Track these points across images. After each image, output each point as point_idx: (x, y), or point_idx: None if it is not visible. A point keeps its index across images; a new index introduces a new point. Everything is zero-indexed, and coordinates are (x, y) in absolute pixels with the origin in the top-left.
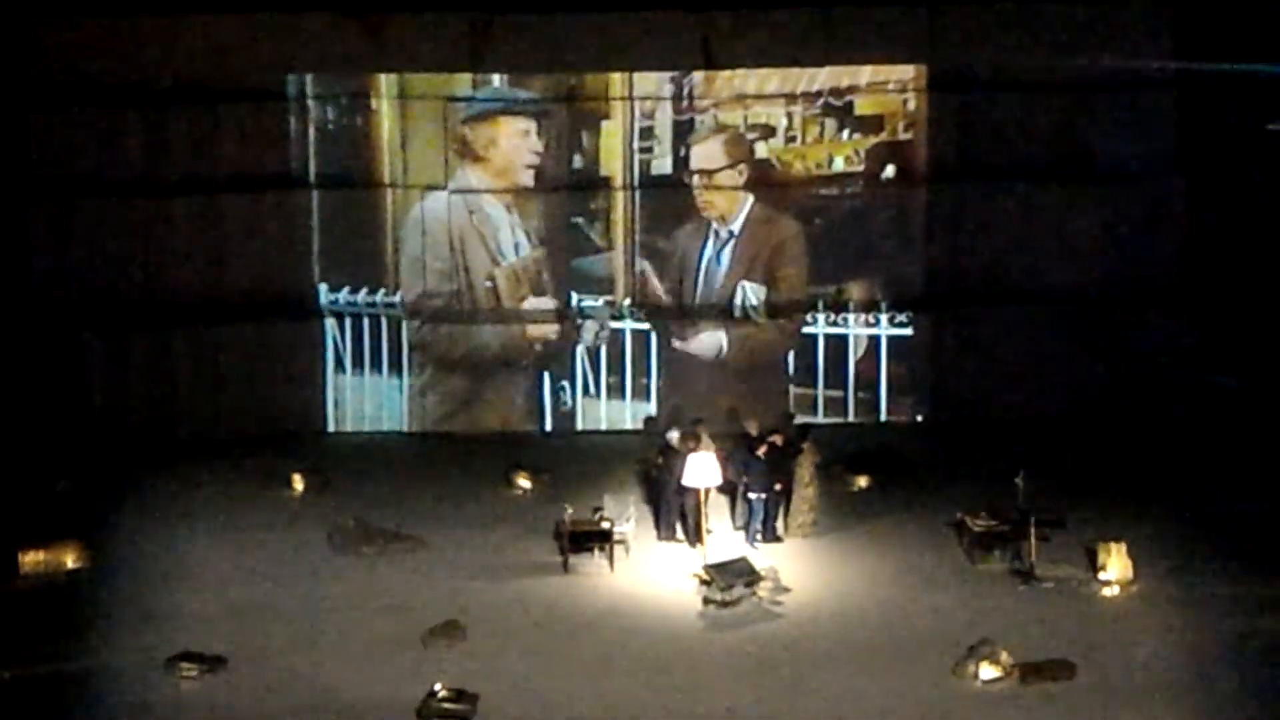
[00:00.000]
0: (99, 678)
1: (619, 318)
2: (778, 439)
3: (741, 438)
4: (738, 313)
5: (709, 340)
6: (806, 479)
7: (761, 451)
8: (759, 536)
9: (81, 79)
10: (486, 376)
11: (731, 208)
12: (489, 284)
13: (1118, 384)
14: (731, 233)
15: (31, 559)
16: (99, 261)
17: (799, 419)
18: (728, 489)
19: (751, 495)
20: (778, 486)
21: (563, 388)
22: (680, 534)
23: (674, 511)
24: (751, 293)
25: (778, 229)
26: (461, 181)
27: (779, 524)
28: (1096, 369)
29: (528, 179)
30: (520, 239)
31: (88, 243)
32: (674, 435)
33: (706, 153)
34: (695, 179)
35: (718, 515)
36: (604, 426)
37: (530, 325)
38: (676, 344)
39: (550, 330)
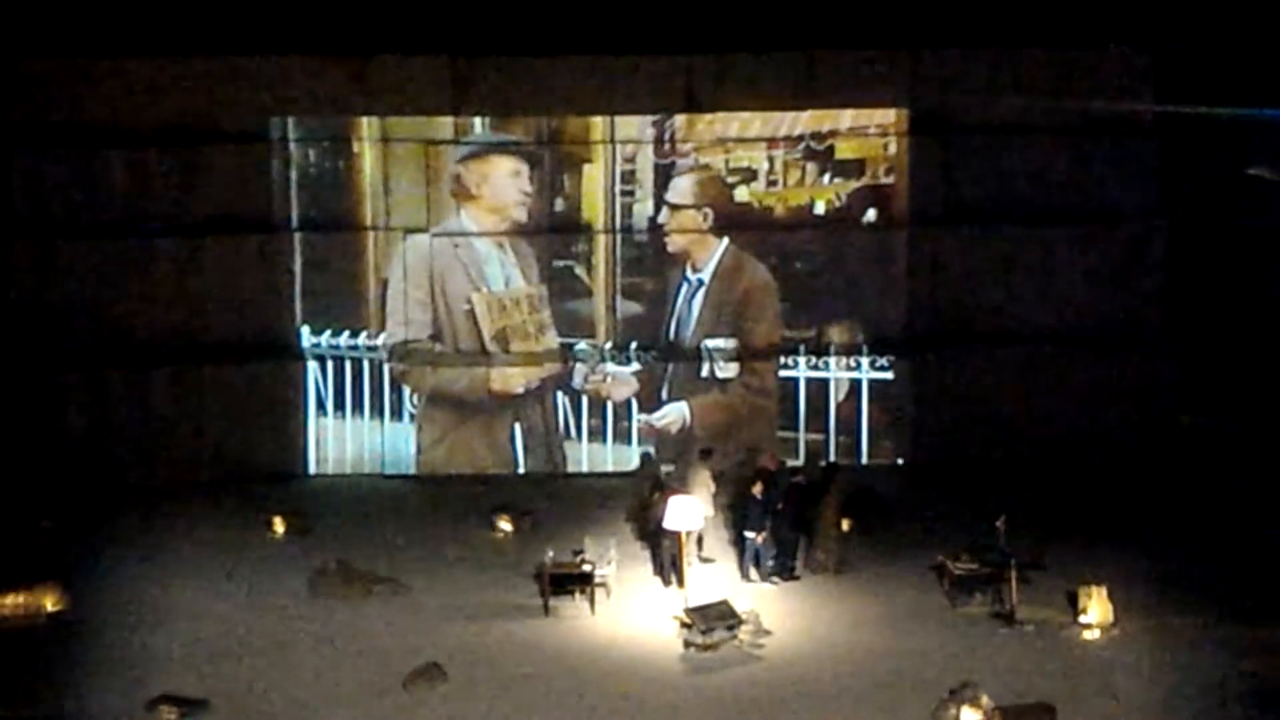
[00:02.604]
0: None
1: (603, 360)
2: (802, 479)
3: (756, 474)
4: (704, 373)
5: (673, 413)
6: (831, 519)
7: (758, 490)
8: (757, 574)
9: (64, 119)
10: (469, 416)
11: (702, 252)
12: (466, 307)
13: (1099, 426)
14: (701, 280)
15: (11, 601)
16: (79, 301)
17: (825, 460)
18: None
19: (747, 534)
20: (761, 537)
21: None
22: (671, 574)
23: (661, 551)
24: (718, 354)
25: (746, 278)
26: (452, 222)
27: (797, 562)
28: (1078, 412)
29: (521, 217)
30: (512, 274)
31: (69, 283)
32: (665, 474)
33: (678, 188)
34: (664, 212)
35: (726, 554)
36: (585, 469)
37: (496, 379)
38: (641, 419)
39: (516, 382)
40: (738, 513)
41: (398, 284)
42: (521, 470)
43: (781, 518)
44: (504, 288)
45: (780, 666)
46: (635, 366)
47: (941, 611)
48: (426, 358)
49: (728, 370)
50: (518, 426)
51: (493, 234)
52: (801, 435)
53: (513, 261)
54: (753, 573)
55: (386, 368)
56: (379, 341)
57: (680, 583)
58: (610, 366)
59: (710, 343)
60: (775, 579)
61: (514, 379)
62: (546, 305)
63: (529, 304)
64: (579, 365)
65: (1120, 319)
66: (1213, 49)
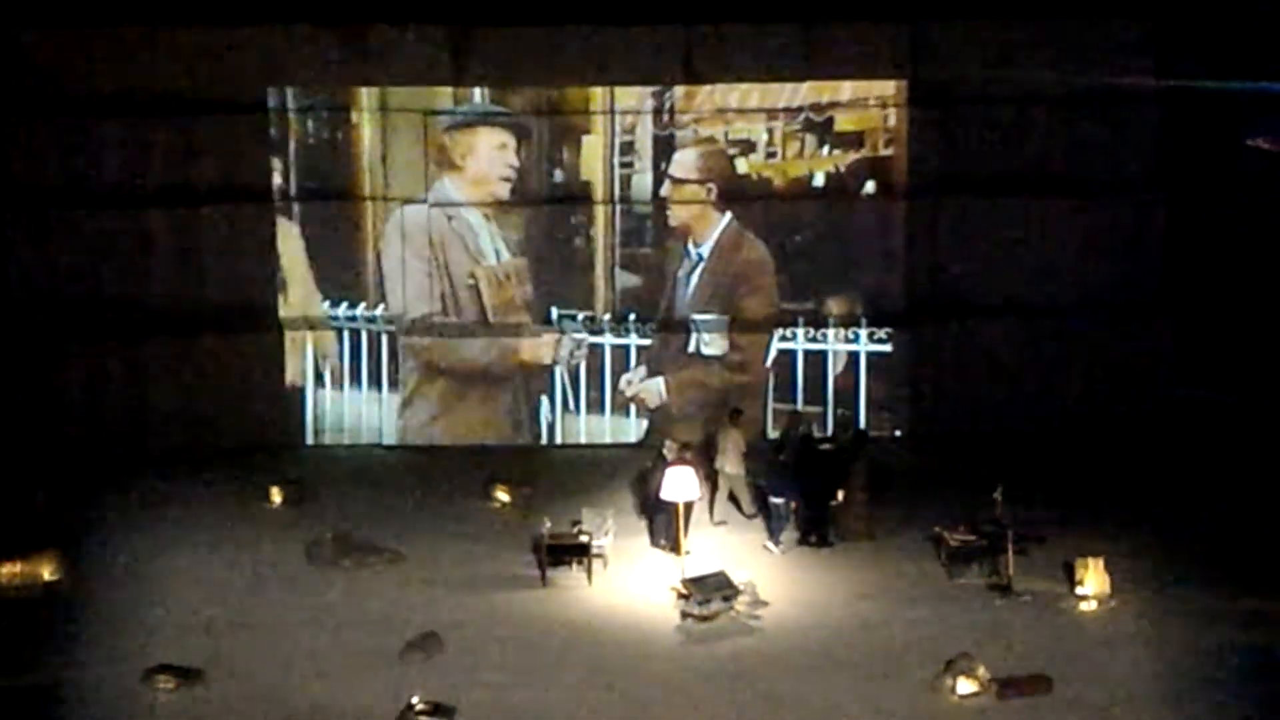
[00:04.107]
0: (75, 690)
1: (599, 332)
2: (828, 445)
3: (804, 439)
4: (691, 348)
5: (650, 388)
6: (861, 486)
7: (784, 455)
8: (779, 542)
9: (61, 89)
10: (470, 388)
11: (703, 228)
12: (471, 283)
13: (1097, 399)
14: (701, 255)
15: (8, 571)
16: (77, 272)
17: (856, 427)
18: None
19: (773, 500)
20: (793, 505)
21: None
22: (666, 543)
23: (659, 522)
24: (705, 329)
25: (744, 254)
26: (440, 192)
27: (830, 530)
28: (1076, 384)
29: (503, 191)
30: (500, 246)
31: (66, 253)
32: (668, 446)
33: (682, 162)
34: (667, 185)
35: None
36: (583, 440)
37: (520, 348)
38: (622, 386)
39: (544, 352)
40: (768, 479)
41: (396, 255)
42: (520, 441)
43: (812, 484)
44: (496, 261)
45: (776, 637)
46: (661, 379)
47: (938, 583)
48: (447, 331)
49: (714, 347)
50: (515, 397)
51: (487, 205)
52: (799, 407)
53: (498, 232)
54: (778, 540)
55: (401, 341)
56: (378, 312)
57: (677, 550)
58: (644, 382)
59: (698, 318)
60: (810, 543)
61: (544, 349)
62: (530, 278)
63: (516, 276)
64: (565, 339)
65: (1120, 290)
66: (1213, 19)
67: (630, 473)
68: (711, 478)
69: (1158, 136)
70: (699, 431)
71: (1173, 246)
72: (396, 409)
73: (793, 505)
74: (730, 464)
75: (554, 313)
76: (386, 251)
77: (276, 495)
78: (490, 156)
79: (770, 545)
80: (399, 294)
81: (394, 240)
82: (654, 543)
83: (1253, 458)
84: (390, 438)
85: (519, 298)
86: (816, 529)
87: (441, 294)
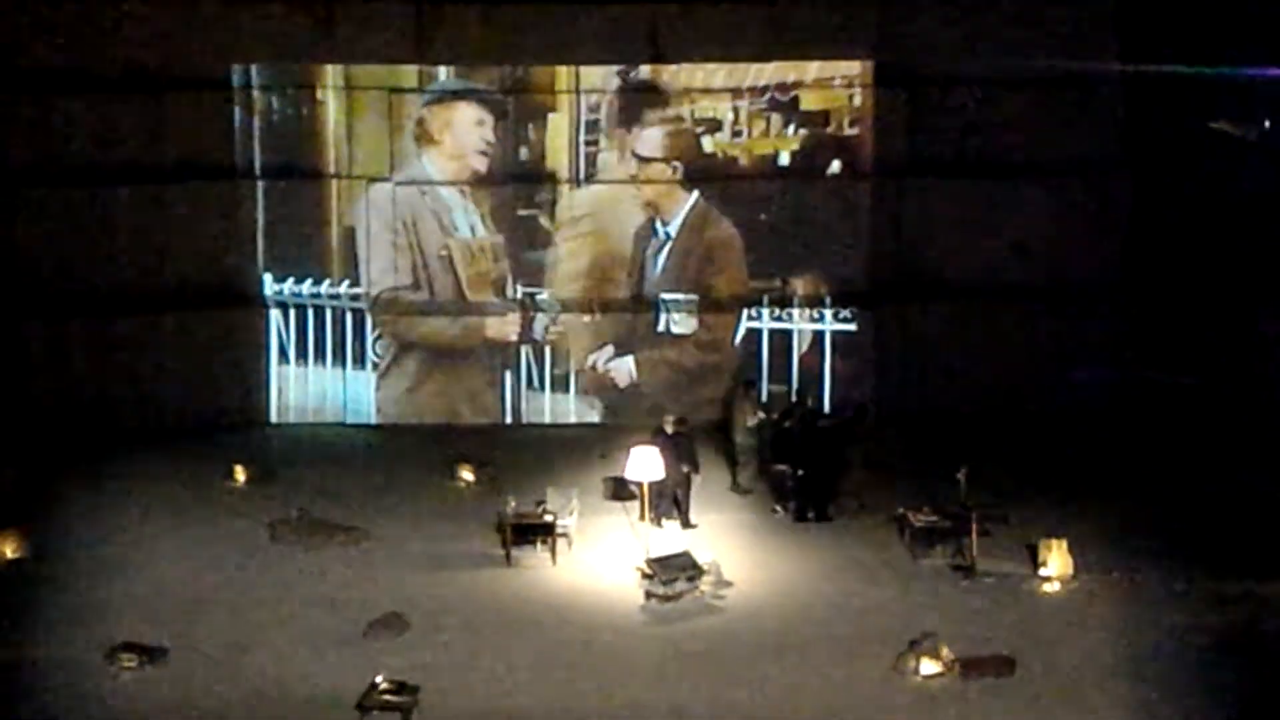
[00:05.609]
0: (38, 668)
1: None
2: (826, 421)
3: (809, 413)
4: (660, 327)
5: (620, 367)
6: (858, 463)
7: (789, 425)
8: (783, 511)
9: (25, 65)
10: (439, 363)
11: (671, 206)
12: (443, 254)
13: (1061, 380)
14: (669, 234)
15: None
16: (41, 250)
17: (861, 402)
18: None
19: (776, 467)
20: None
21: None
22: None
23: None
24: (674, 311)
25: (712, 233)
26: (415, 167)
27: (827, 504)
28: (1040, 365)
29: (480, 166)
30: (475, 221)
31: (30, 231)
32: (666, 420)
33: (649, 140)
34: (633, 162)
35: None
36: (548, 419)
37: (486, 324)
38: (588, 362)
39: (511, 329)
40: (774, 448)
41: (375, 232)
42: (488, 419)
43: (815, 457)
44: (470, 236)
45: (741, 617)
46: (630, 358)
47: (903, 563)
48: (415, 307)
49: (683, 326)
50: (486, 376)
51: (455, 183)
52: (764, 387)
53: (474, 210)
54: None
55: (369, 318)
56: (360, 290)
57: (657, 523)
58: (613, 361)
59: (667, 297)
60: (774, 515)
61: (509, 325)
62: (505, 256)
63: (492, 253)
64: (540, 315)
65: (1085, 271)
66: (1177, 2)
67: (595, 452)
68: (729, 450)
69: (1123, 118)
70: (715, 405)
71: (1137, 228)
72: (374, 382)
73: (797, 473)
74: (740, 435)
75: (519, 290)
76: (359, 229)
77: (240, 474)
78: (468, 131)
79: (778, 508)
80: (370, 269)
81: (367, 217)
82: (654, 519)
83: (1215, 439)
84: (355, 416)
85: (493, 274)
86: (810, 504)
87: (414, 267)
